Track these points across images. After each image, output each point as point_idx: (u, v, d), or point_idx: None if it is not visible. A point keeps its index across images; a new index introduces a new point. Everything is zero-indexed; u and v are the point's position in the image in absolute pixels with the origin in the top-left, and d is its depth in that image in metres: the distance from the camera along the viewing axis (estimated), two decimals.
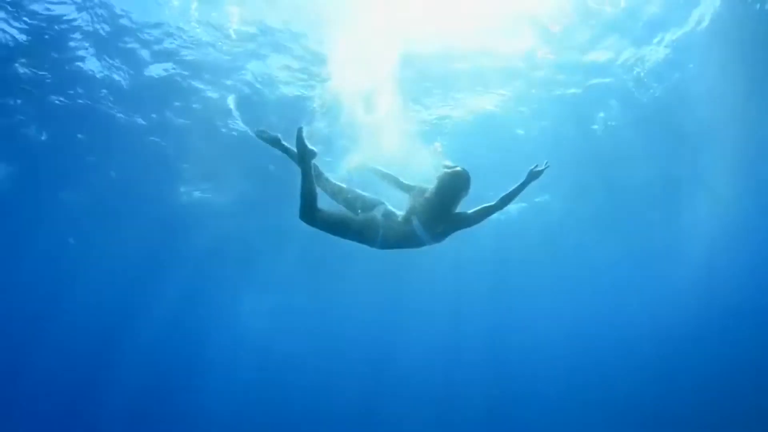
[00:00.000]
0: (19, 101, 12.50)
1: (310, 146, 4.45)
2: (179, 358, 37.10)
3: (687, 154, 15.79)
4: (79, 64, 11.51)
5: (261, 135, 4.80)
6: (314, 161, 4.60)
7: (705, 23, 10.91)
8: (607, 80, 12.62)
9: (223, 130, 13.76)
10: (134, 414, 34.08)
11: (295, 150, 4.51)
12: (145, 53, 11.31)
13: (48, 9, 10.03)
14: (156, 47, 11.16)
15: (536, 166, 4.79)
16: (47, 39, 10.72)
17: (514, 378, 39.76)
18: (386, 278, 23.69)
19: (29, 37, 10.63)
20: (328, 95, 12.18)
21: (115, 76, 11.99)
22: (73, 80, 11.96)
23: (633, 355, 36.34)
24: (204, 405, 37.32)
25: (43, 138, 13.91)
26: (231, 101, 12.74)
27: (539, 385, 38.75)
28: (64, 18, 10.26)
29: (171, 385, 37.83)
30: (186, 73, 11.87)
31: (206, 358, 36.82)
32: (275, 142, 4.79)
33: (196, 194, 16.96)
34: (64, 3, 9.92)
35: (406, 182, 4.78)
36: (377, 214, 4.68)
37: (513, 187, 4.73)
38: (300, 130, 4.44)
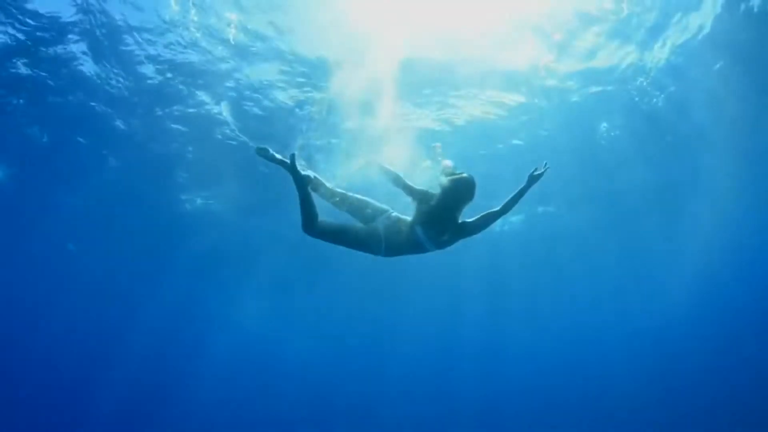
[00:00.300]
0: (21, 101, 12.43)
1: (303, 172, 4.63)
2: (178, 361, 37.09)
3: (687, 161, 15.73)
4: (80, 68, 11.48)
5: (261, 153, 4.87)
6: (315, 173, 4.81)
7: (706, 30, 10.87)
8: (609, 88, 12.55)
9: (219, 136, 13.70)
10: (133, 416, 33.99)
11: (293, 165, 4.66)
12: (143, 58, 11.25)
13: (48, 12, 10.01)
14: (154, 52, 11.10)
15: (536, 169, 4.82)
16: (47, 42, 10.69)
17: (514, 384, 39.65)
18: (386, 284, 23.60)
19: (30, 39, 10.60)
20: (327, 101, 12.13)
21: (114, 82, 11.94)
22: (73, 84, 11.92)
23: (635, 360, 36.36)
24: (202, 406, 37.22)
25: (44, 140, 13.88)
26: (224, 108, 12.69)
27: (540, 392, 38.67)
28: (64, 22, 10.22)
29: (171, 387, 37.77)
30: (184, 78, 11.82)
31: (205, 360, 36.79)
32: (273, 160, 4.86)
33: (198, 201, 16.90)
34: (64, 6, 9.89)
35: (411, 184, 4.69)
36: (379, 225, 4.71)
37: (515, 192, 4.76)
38: (293, 158, 4.59)
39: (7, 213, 17.64)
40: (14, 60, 11.15)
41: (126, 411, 34.02)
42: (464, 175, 4.51)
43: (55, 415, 31.54)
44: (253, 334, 32.96)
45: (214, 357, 36.03)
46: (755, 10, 10.42)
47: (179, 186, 16.05)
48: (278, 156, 4.82)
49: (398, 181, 4.64)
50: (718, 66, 11.91)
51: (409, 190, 4.65)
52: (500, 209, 4.72)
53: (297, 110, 12.70)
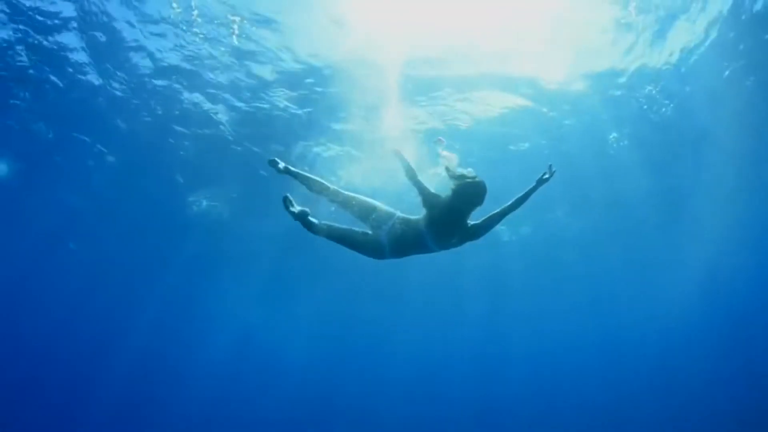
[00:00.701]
0: (27, 94, 12.40)
1: (299, 209, 4.84)
2: (176, 361, 37.18)
3: (695, 169, 15.55)
4: (82, 68, 11.50)
5: (272, 164, 5.07)
6: (319, 177, 4.97)
7: (714, 35, 10.72)
8: (617, 93, 12.37)
9: (220, 138, 13.61)
10: (131, 414, 33.94)
11: (301, 173, 4.96)
12: (146, 58, 11.20)
13: (52, 9, 9.98)
14: (157, 53, 11.06)
15: (544, 173, 4.82)
16: (50, 39, 10.69)
17: (516, 388, 39.43)
18: (388, 287, 23.49)
19: (34, 34, 10.59)
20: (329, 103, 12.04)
21: (116, 83, 11.94)
22: (76, 82, 11.91)
23: (637, 367, 36.25)
24: (199, 404, 37.16)
25: (50, 136, 13.88)
26: (226, 110, 12.58)
27: (541, 397, 38.49)
28: (67, 18, 10.20)
29: (168, 386, 37.75)
30: (186, 80, 11.78)
31: (203, 360, 36.88)
32: (280, 172, 5.02)
33: (204, 203, 16.87)
34: (67, 5, 9.87)
35: (425, 184, 4.60)
36: (383, 234, 4.70)
37: (522, 193, 4.75)
38: (286, 199, 4.85)
39: (11, 208, 17.58)
40: (19, 55, 11.13)
41: (123, 409, 33.99)
42: (476, 179, 4.45)
43: (54, 411, 31.42)
44: (253, 334, 33.07)
45: (212, 356, 36.07)
46: (762, 13, 10.24)
47: (184, 188, 16.01)
48: (281, 165, 4.97)
49: (413, 177, 4.53)
50: (727, 73, 11.76)
51: (421, 188, 4.55)
52: (506, 208, 4.73)
53: (299, 112, 12.63)
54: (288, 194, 4.89)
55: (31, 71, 11.51)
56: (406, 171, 4.50)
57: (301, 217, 4.81)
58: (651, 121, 13.29)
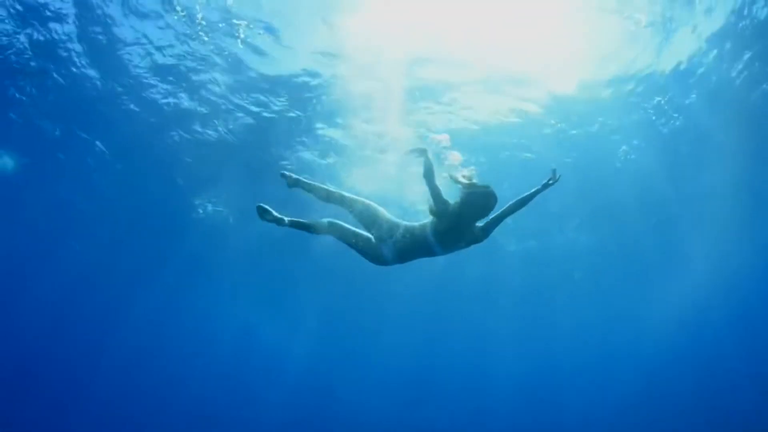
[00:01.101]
0: (34, 90, 12.45)
1: (277, 216, 4.85)
2: (174, 363, 37.15)
3: (705, 178, 15.34)
4: (84, 70, 11.58)
5: (283, 177, 5.06)
6: (327, 185, 5.02)
7: (721, 44, 10.56)
8: (626, 103, 12.21)
9: (222, 142, 13.61)
10: (127, 412, 33.91)
11: (310, 183, 5.00)
12: (148, 60, 11.24)
13: (56, 9, 10.04)
14: (160, 57, 11.10)
15: (550, 178, 4.77)
16: (53, 37, 10.74)
17: (506, 401, 39.26)
18: (391, 292, 23.37)
19: (38, 33, 10.66)
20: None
21: (120, 87, 11.99)
22: (78, 82, 11.96)
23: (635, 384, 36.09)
24: (196, 403, 37.15)
25: (57, 133, 13.95)
26: (227, 115, 12.52)
27: (543, 407, 38.31)
28: (68, 20, 10.26)
29: (166, 386, 37.74)
30: (187, 84, 11.81)
31: (201, 360, 36.92)
32: (291, 185, 5.06)
33: (210, 207, 16.94)
34: (68, 5, 9.92)
35: (441, 189, 4.43)
36: (386, 248, 4.70)
37: (526, 194, 4.70)
38: (259, 210, 4.87)
39: (15, 203, 17.65)
40: (26, 51, 11.16)
41: (120, 408, 34.06)
42: (488, 189, 4.35)
43: (53, 410, 31.41)
44: (252, 335, 33.10)
45: (210, 356, 36.25)
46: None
47: (185, 190, 16.04)
48: (293, 177, 4.97)
49: (432, 180, 4.35)
50: (737, 82, 11.59)
51: (435, 192, 4.39)
52: (508, 209, 4.71)
53: (301, 117, 12.62)
54: (261, 203, 4.86)
55: (34, 65, 11.53)
56: (426, 171, 4.29)
57: (280, 223, 4.82)
58: (660, 132, 13.14)
